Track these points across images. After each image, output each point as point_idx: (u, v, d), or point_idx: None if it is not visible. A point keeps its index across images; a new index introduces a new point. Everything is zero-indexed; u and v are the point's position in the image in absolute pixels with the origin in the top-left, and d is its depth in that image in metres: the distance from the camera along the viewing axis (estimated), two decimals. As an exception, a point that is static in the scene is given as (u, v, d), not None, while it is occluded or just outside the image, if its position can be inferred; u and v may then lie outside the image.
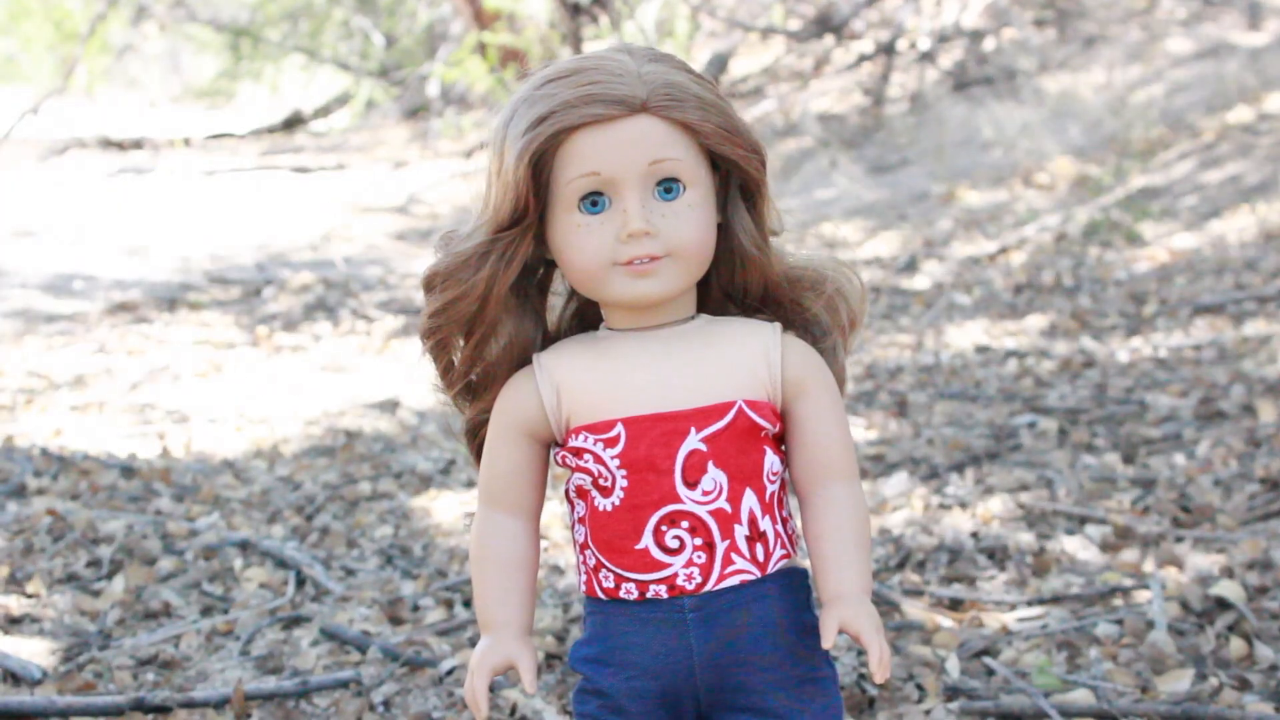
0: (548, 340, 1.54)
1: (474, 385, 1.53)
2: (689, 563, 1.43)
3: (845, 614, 1.41)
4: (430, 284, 1.46)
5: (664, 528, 1.43)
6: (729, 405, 1.44)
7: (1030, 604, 2.78)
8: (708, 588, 1.43)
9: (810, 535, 1.48)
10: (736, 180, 1.48)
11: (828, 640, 1.40)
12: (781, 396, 1.48)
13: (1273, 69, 9.33)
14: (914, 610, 2.76)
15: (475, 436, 1.56)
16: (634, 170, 1.40)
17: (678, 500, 1.43)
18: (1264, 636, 2.51)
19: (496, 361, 1.50)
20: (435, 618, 2.85)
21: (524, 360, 1.50)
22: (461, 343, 1.49)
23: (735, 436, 1.44)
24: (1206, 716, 2.21)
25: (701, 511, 1.43)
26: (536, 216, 1.42)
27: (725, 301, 1.55)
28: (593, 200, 1.41)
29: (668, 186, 1.42)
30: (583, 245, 1.41)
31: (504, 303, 1.47)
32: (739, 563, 1.44)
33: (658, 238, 1.41)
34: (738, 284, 1.52)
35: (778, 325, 1.51)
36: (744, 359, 1.47)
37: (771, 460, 1.47)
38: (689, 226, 1.42)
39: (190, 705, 2.41)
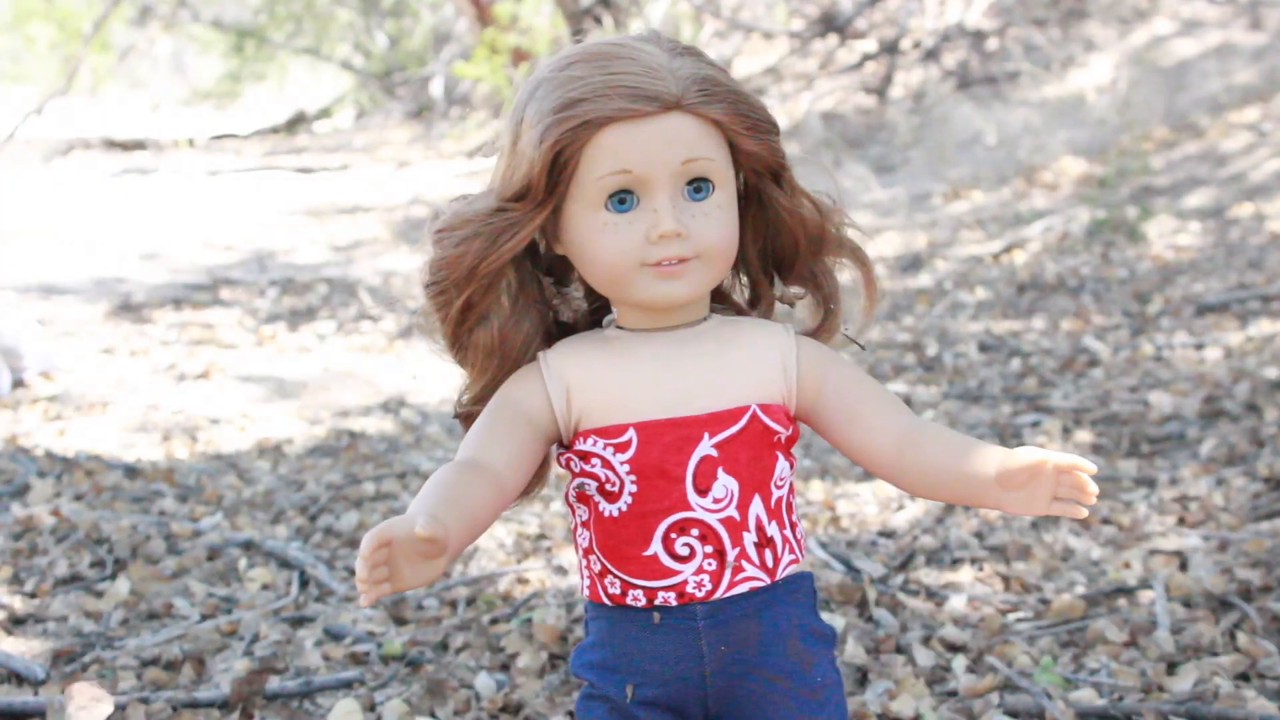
0: (557, 333, 1.52)
1: (465, 360, 1.48)
2: (699, 570, 1.41)
3: (1018, 452, 1.33)
4: (437, 236, 1.42)
5: (673, 535, 1.41)
6: (743, 410, 1.42)
7: (1034, 603, 2.78)
8: (718, 595, 1.41)
9: (927, 466, 1.40)
10: (758, 167, 1.45)
11: (1037, 455, 1.31)
12: (797, 398, 1.46)
13: (1275, 68, 9.32)
14: (917, 609, 2.75)
15: (469, 422, 1.50)
16: (667, 170, 1.36)
17: (688, 508, 1.40)
18: (1267, 635, 2.51)
19: (486, 349, 1.45)
20: (439, 618, 2.85)
21: (515, 358, 1.47)
22: (456, 305, 1.43)
23: (748, 442, 1.42)
24: (1210, 715, 2.21)
25: (712, 520, 1.41)
26: (544, 197, 1.37)
27: (761, 278, 1.53)
28: (620, 198, 1.37)
29: (698, 186, 1.38)
30: (609, 244, 1.38)
31: (501, 281, 1.43)
32: (749, 569, 1.42)
33: (688, 239, 1.37)
34: (785, 251, 1.50)
35: (790, 326, 1.50)
36: (758, 361, 1.45)
37: (781, 466, 1.44)
38: (718, 227, 1.39)
39: (194, 706, 2.41)
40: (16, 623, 2.83)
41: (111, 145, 14.48)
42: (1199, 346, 4.83)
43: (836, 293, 1.54)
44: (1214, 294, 5.53)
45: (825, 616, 2.61)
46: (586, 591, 1.48)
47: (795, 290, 1.55)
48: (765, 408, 1.43)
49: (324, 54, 17.41)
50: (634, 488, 1.41)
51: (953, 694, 2.39)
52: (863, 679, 2.46)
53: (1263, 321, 4.98)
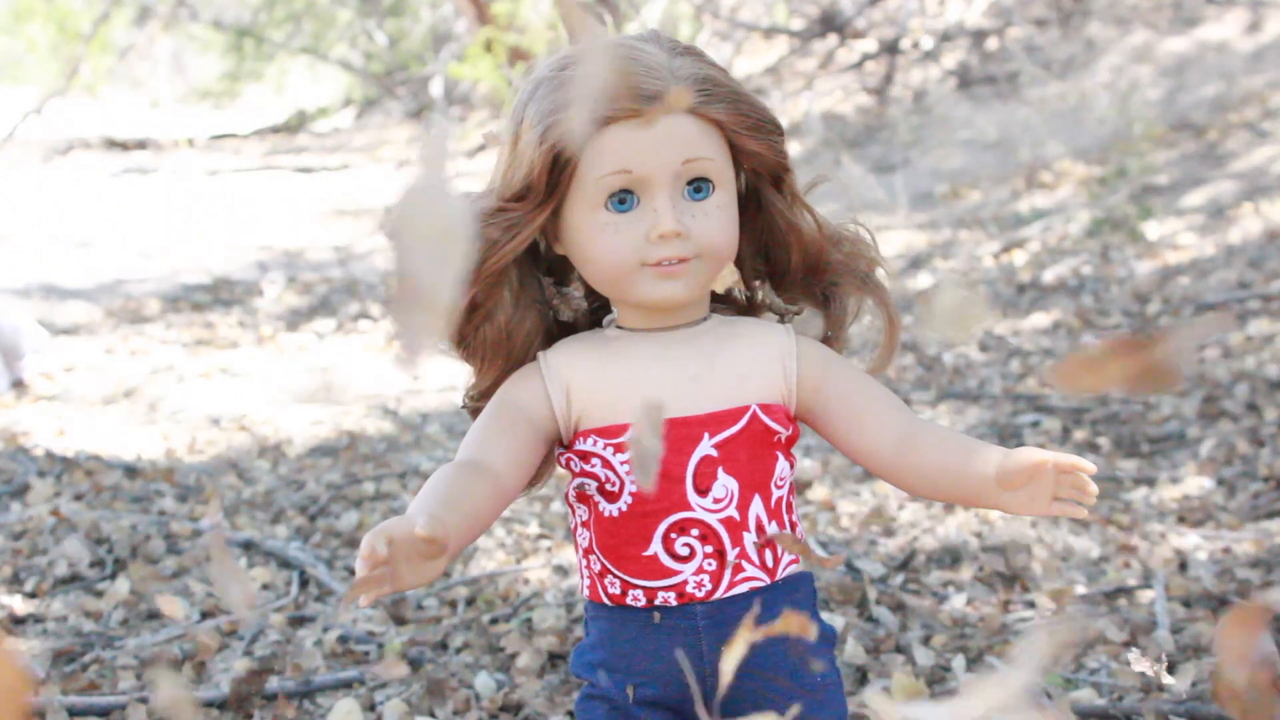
0: (557, 333, 1.52)
1: (471, 358, 1.48)
2: (699, 570, 1.41)
3: (1018, 452, 1.33)
4: None
5: (673, 535, 1.41)
6: (743, 410, 1.42)
7: (1033, 603, 2.78)
8: (718, 595, 1.41)
9: (927, 466, 1.40)
10: (760, 168, 1.45)
11: (1037, 455, 1.32)
12: (797, 398, 1.46)
13: (1275, 68, 9.32)
14: (917, 609, 2.75)
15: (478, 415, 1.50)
16: (667, 169, 1.36)
17: (688, 508, 1.40)
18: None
19: (492, 346, 1.46)
20: (439, 618, 2.85)
21: (519, 354, 1.47)
22: (461, 305, 1.43)
23: (748, 442, 1.42)
24: (1210, 715, 2.21)
25: (712, 520, 1.40)
26: (544, 197, 1.37)
27: (762, 282, 1.53)
28: (620, 198, 1.37)
29: (698, 186, 1.38)
30: (609, 244, 1.38)
31: (504, 280, 1.43)
32: (749, 569, 1.42)
33: (688, 239, 1.37)
34: (779, 262, 1.50)
35: (790, 326, 1.50)
36: (758, 361, 1.45)
37: (782, 466, 1.44)
38: (718, 227, 1.39)
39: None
40: (16, 623, 2.83)
41: (111, 145, 14.47)
42: (1199, 346, 4.82)
43: (843, 322, 1.53)
44: (1213, 293, 5.53)
45: (825, 616, 2.61)
46: (586, 591, 1.48)
47: (791, 307, 1.55)
48: (765, 408, 1.43)
49: (323, 54, 17.41)
50: (634, 487, 1.41)
51: (953, 694, 2.39)
52: (863, 679, 2.46)
53: (1262, 321, 4.98)
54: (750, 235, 1.49)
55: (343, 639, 2.73)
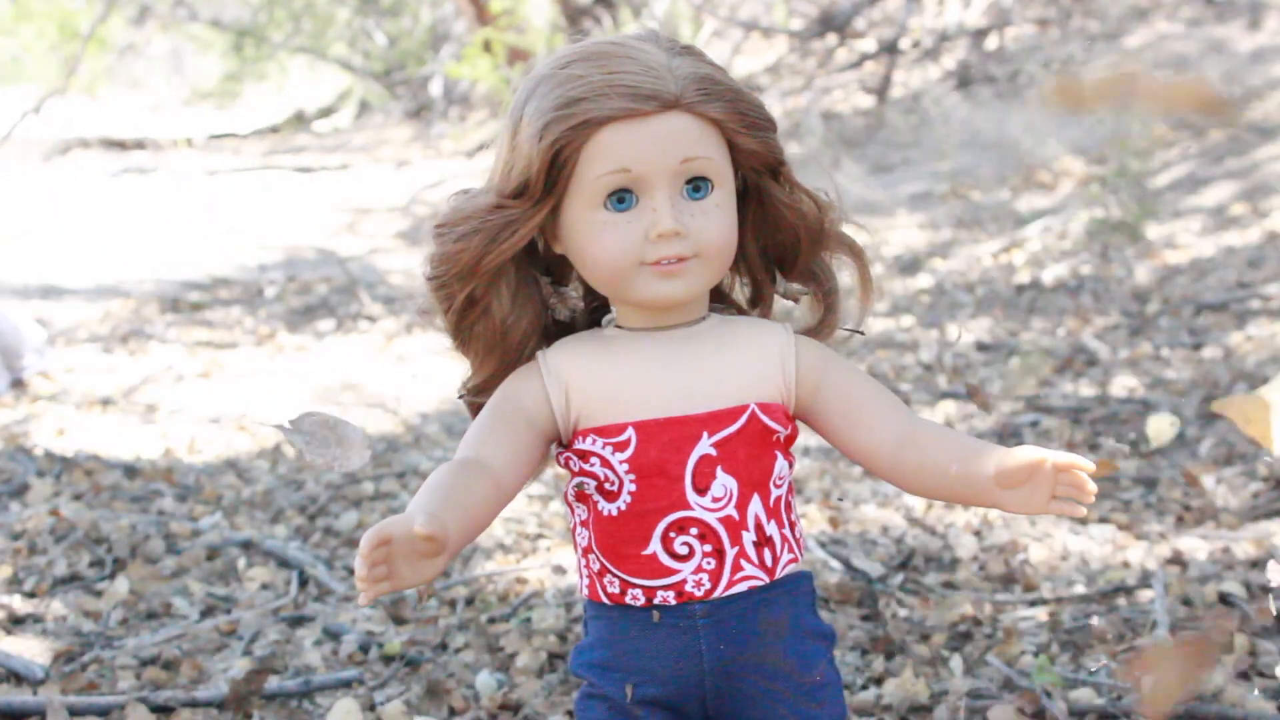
0: (555, 332, 1.52)
1: (468, 351, 1.49)
2: (698, 569, 1.41)
3: (1016, 451, 1.34)
4: (437, 231, 1.42)
5: (672, 534, 1.41)
6: (742, 409, 1.42)
7: (1033, 604, 2.78)
8: (717, 594, 1.41)
9: (926, 465, 1.40)
10: (757, 165, 1.45)
11: (1035, 453, 1.33)
12: (796, 397, 1.46)
13: (1274, 68, 9.32)
14: (916, 609, 2.75)
15: (475, 409, 1.51)
16: (665, 168, 1.36)
17: (687, 507, 1.41)
18: (1266, 635, 2.51)
19: (488, 342, 1.46)
20: (438, 618, 2.85)
21: (515, 351, 1.47)
22: (459, 299, 1.44)
23: (746, 441, 1.42)
24: (1209, 715, 2.21)
25: (711, 519, 1.41)
26: (542, 195, 1.37)
27: (765, 274, 1.54)
28: (619, 197, 1.37)
29: (696, 185, 1.39)
30: (608, 243, 1.38)
31: (502, 277, 1.43)
32: (748, 568, 1.42)
33: (687, 238, 1.38)
34: (787, 248, 1.50)
35: (789, 325, 1.51)
36: (756, 360, 1.45)
37: (780, 465, 1.45)
38: (717, 226, 1.39)
39: (193, 705, 2.41)
40: (16, 622, 2.83)
41: (110, 145, 14.48)
42: (1198, 346, 4.82)
43: (836, 289, 1.55)
44: (1213, 293, 5.52)
45: (825, 616, 2.60)
46: (585, 591, 1.48)
47: (797, 287, 1.56)
48: (764, 406, 1.43)
49: (323, 53, 17.41)
50: (633, 486, 1.41)
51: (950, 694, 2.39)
52: (878, 680, 2.45)
53: (1262, 320, 4.98)
54: (754, 230, 1.49)
55: (338, 636, 2.73)
